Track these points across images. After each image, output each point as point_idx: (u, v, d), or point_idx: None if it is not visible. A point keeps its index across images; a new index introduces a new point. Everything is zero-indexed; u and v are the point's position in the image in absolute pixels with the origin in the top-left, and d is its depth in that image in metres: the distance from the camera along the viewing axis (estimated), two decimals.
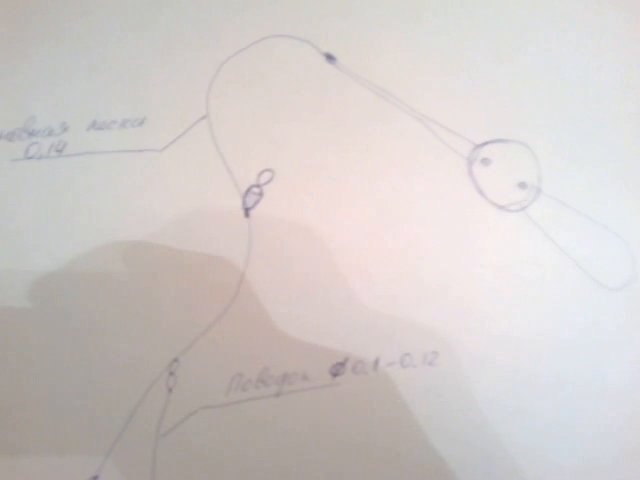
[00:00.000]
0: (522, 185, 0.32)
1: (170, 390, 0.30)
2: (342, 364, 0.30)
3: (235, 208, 0.31)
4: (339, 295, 0.31)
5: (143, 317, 0.30)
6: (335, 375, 0.30)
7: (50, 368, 0.30)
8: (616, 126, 0.32)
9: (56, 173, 0.31)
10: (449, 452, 0.30)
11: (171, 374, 0.30)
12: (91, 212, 0.31)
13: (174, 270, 0.31)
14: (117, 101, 0.31)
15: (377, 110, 0.32)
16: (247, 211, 0.31)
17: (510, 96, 0.32)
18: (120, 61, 0.32)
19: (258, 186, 0.31)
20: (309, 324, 0.30)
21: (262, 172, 0.31)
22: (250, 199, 0.31)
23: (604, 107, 0.32)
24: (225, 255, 0.31)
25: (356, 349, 0.30)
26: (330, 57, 0.32)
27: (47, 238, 0.31)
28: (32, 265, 0.30)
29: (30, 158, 0.31)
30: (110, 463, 0.30)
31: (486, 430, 0.30)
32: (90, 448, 0.30)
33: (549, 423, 0.30)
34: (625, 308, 0.31)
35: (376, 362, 0.30)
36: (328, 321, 0.30)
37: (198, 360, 0.30)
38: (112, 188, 0.31)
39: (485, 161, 0.32)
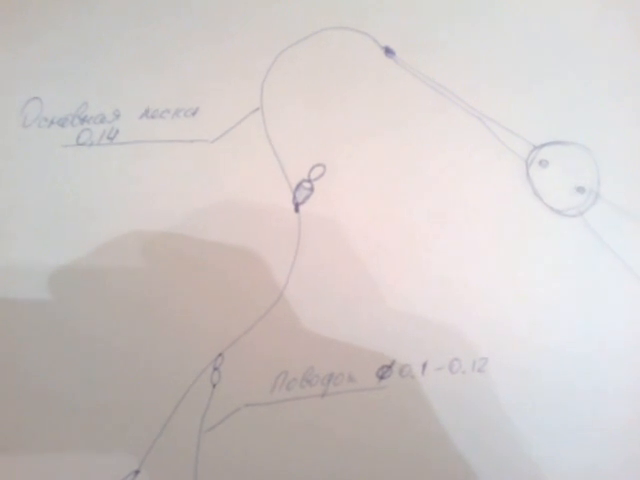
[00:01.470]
0: (580, 189, 0.31)
1: (214, 386, 0.29)
2: (389, 367, 0.30)
3: (285, 203, 0.30)
4: (387, 297, 0.30)
5: (189, 311, 0.30)
6: (381, 378, 0.30)
7: (95, 362, 0.30)
8: None
9: (107, 160, 0.31)
10: (488, 462, 0.29)
11: (215, 369, 0.29)
12: (140, 201, 0.30)
13: (220, 264, 0.30)
14: (171, 90, 0.31)
15: (435, 107, 0.31)
16: (297, 206, 0.30)
17: (571, 98, 0.31)
18: (175, 50, 0.31)
19: (309, 181, 0.30)
20: (356, 325, 0.30)
21: (314, 167, 0.31)
22: (301, 194, 0.30)
23: None
24: (273, 250, 0.30)
25: (404, 352, 0.30)
26: (389, 51, 0.31)
27: (96, 226, 0.30)
28: (77, 253, 0.30)
29: (81, 145, 0.31)
30: (152, 458, 0.29)
31: (534, 442, 0.29)
32: (133, 442, 0.29)
33: (602, 440, 0.29)
34: None
35: (424, 366, 0.30)
36: (375, 323, 0.30)
37: (243, 356, 0.30)
38: (162, 178, 0.31)
39: (543, 163, 0.31)
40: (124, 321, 0.30)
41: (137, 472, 0.29)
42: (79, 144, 0.31)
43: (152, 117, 0.31)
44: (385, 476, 0.29)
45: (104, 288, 0.30)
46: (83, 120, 0.31)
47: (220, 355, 0.30)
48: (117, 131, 0.31)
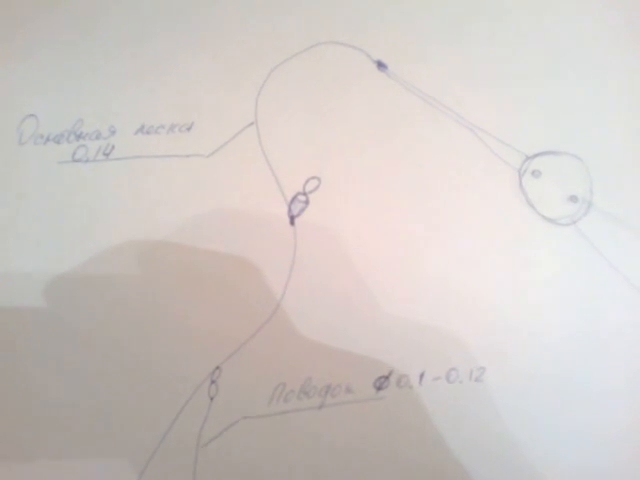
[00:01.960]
0: (573, 198, 0.31)
1: (212, 399, 0.29)
2: (386, 377, 0.30)
3: (281, 216, 0.30)
4: (384, 308, 0.30)
5: (186, 324, 0.30)
6: (379, 389, 0.30)
7: (91, 373, 0.30)
8: None
9: (103, 176, 0.31)
10: (487, 472, 0.29)
11: (213, 382, 0.29)
12: (136, 216, 0.31)
13: (217, 277, 0.30)
14: (165, 106, 0.31)
15: (428, 119, 0.31)
16: (292, 219, 0.30)
17: (562, 108, 0.31)
18: (169, 66, 0.32)
19: (304, 194, 0.31)
20: (353, 336, 0.30)
21: (309, 180, 0.31)
22: (296, 207, 0.31)
23: None
24: (270, 263, 0.30)
25: (401, 363, 0.30)
26: (381, 65, 0.31)
27: (93, 241, 0.30)
28: (74, 268, 0.30)
29: (77, 161, 0.31)
30: (150, 471, 0.29)
31: (534, 450, 0.29)
32: (130, 456, 0.29)
33: (602, 446, 0.29)
34: None
35: (421, 376, 0.30)
36: (372, 333, 0.30)
37: (240, 369, 0.30)
38: (158, 193, 0.31)
39: (536, 173, 0.31)
40: (121, 335, 0.30)
41: None
42: (75, 160, 0.31)
43: (147, 133, 0.31)
44: None
45: (101, 302, 0.30)
46: (79, 136, 0.31)
47: (217, 368, 0.30)
48: (113, 147, 0.31)
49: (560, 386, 0.30)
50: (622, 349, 0.30)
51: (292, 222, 0.30)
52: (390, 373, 0.30)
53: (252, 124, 0.31)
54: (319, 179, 0.31)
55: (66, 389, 0.30)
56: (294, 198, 0.31)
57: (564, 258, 0.30)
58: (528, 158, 0.31)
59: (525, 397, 0.30)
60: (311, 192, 0.31)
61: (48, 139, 0.31)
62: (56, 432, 0.30)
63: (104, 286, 0.30)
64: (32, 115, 0.31)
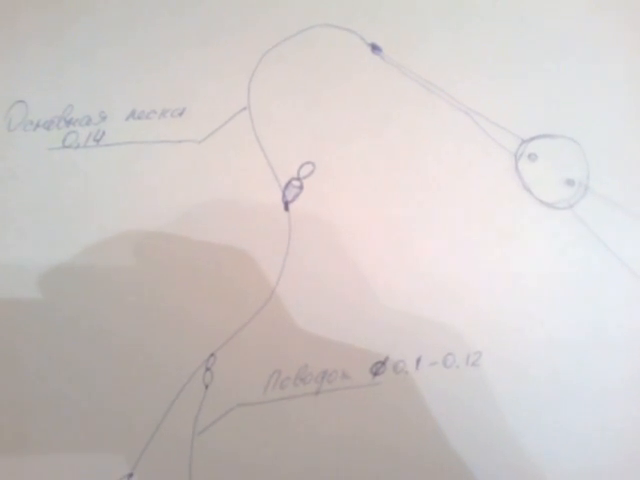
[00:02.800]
0: (570, 182, 0.31)
1: (207, 386, 0.29)
2: (383, 363, 0.29)
3: (275, 201, 0.30)
4: (379, 293, 0.30)
5: (180, 312, 0.30)
6: (375, 374, 0.29)
7: (85, 363, 0.30)
8: None
9: (93, 163, 0.31)
10: (484, 457, 0.29)
11: (207, 370, 0.29)
12: (128, 203, 0.30)
13: (211, 264, 0.30)
14: (157, 91, 0.31)
15: (423, 103, 0.31)
16: (287, 205, 0.30)
17: (558, 91, 0.31)
18: (160, 49, 0.31)
19: (298, 179, 0.30)
20: (349, 321, 0.30)
21: (303, 165, 0.30)
22: (290, 192, 0.30)
23: None
24: (264, 249, 0.30)
25: (397, 348, 0.30)
26: (376, 48, 0.31)
27: (84, 228, 0.30)
28: (65, 255, 0.30)
29: (67, 147, 0.31)
30: (145, 461, 0.29)
31: (529, 435, 0.29)
32: (126, 445, 0.29)
33: (595, 432, 0.29)
34: None
35: (418, 362, 0.29)
36: (368, 319, 0.30)
37: (235, 356, 0.29)
38: (150, 179, 0.30)
39: (532, 157, 0.31)
40: (115, 323, 0.30)
41: (130, 475, 0.29)
42: (65, 147, 0.31)
43: (138, 118, 0.31)
44: (381, 472, 0.29)
45: (93, 290, 0.30)
46: (69, 122, 0.31)
47: (212, 355, 0.29)
48: (103, 133, 0.31)
49: (556, 370, 0.30)
50: (619, 333, 0.30)
51: (286, 208, 0.30)
52: (386, 359, 0.29)
53: (245, 109, 0.31)
54: (313, 164, 0.30)
55: (60, 379, 0.30)
56: (288, 183, 0.30)
57: (561, 242, 0.30)
58: (524, 142, 0.31)
59: (521, 381, 0.29)
60: (305, 177, 0.30)
61: (38, 125, 0.31)
62: (51, 421, 0.29)
63: (95, 274, 0.30)
64: (21, 101, 0.31)
